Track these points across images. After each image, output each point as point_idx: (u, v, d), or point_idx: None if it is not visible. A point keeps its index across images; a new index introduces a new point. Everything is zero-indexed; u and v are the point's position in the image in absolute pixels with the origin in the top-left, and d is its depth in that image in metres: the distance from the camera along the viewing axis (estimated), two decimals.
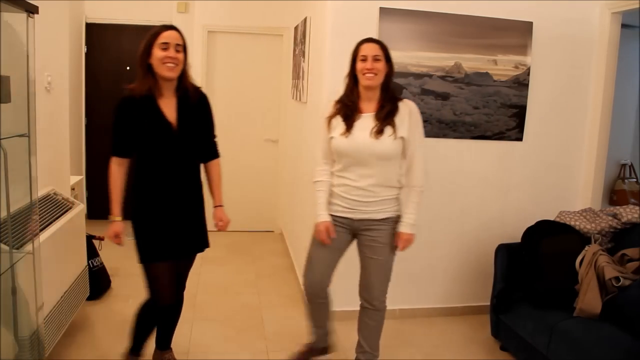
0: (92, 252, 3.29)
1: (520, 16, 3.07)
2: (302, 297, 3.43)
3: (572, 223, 2.79)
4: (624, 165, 4.26)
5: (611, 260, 2.47)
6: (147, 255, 2.17)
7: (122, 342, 2.77)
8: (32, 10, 1.88)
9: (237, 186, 4.82)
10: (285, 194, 4.74)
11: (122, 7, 4.90)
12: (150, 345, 2.42)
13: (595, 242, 2.63)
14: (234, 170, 4.87)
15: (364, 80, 2.20)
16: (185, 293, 3.50)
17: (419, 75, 3.00)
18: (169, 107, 2.11)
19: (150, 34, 2.05)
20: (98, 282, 3.29)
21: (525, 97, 3.16)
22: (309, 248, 2.43)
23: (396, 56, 2.94)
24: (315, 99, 3.26)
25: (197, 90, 2.19)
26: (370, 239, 2.30)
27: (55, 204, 2.63)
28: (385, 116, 2.20)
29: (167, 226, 2.16)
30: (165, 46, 2.02)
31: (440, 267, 3.26)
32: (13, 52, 1.89)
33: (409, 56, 2.98)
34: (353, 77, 2.27)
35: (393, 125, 2.20)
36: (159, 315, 2.33)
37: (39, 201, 2.36)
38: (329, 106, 2.35)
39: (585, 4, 3.16)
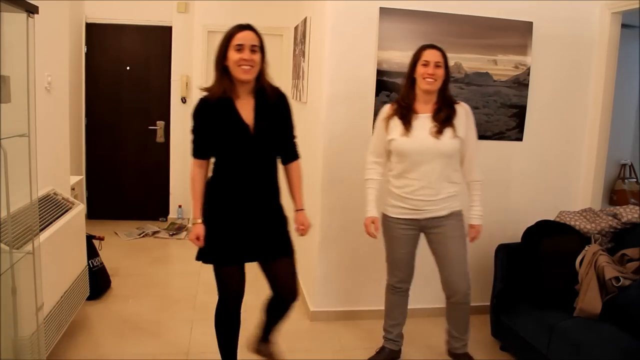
0: (92, 252, 3.29)
1: (520, 16, 3.07)
2: (301, 296, 3.43)
3: (572, 223, 2.79)
4: (624, 165, 4.26)
5: (611, 260, 2.47)
6: (215, 258, 2.14)
7: (122, 342, 2.78)
8: (32, 10, 1.88)
9: None
10: (285, 194, 4.73)
11: (122, 7, 4.90)
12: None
13: (595, 242, 2.63)
14: None
15: (424, 85, 2.32)
16: (185, 293, 3.52)
17: None
18: (245, 109, 2.07)
19: (225, 35, 2.03)
20: (98, 282, 3.29)
21: (525, 97, 3.16)
22: (386, 250, 2.56)
23: (396, 56, 2.96)
24: (315, 99, 3.26)
25: (276, 90, 2.14)
26: (440, 235, 2.42)
27: (55, 204, 2.63)
28: (445, 119, 2.33)
29: (240, 229, 2.11)
30: (240, 48, 1.98)
31: None
32: (13, 52, 1.89)
33: (409, 56, 2.95)
34: (411, 80, 2.38)
35: (452, 126, 2.34)
36: (230, 319, 2.31)
37: (39, 201, 2.36)
38: (384, 109, 2.46)
39: (585, 4, 3.16)
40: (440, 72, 2.32)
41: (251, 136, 2.05)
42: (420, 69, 2.33)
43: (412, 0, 2.94)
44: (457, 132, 2.34)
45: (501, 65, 3.10)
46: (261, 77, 2.09)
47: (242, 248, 2.12)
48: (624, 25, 3.18)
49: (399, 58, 2.96)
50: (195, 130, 2.11)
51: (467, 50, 3.04)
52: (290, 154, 2.25)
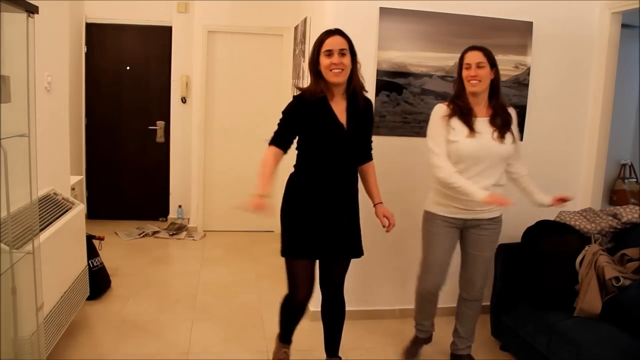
0: (92, 252, 3.29)
1: (520, 16, 3.07)
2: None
3: (572, 223, 2.79)
4: (624, 165, 4.26)
5: (611, 260, 2.47)
6: (290, 250, 2.22)
7: (122, 342, 2.78)
8: (32, 10, 1.88)
9: (237, 186, 4.82)
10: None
11: (122, 7, 4.90)
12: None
13: (595, 242, 2.63)
14: (234, 170, 4.88)
15: (468, 87, 2.32)
16: (185, 293, 3.52)
17: (419, 75, 3.00)
18: (339, 109, 2.18)
19: (316, 41, 2.16)
20: (98, 282, 3.29)
21: (525, 97, 3.16)
22: (425, 249, 2.52)
23: (396, 56, 2.96)
24: None
25: (363, 95, 2.26)
26: (478, 236, 2.45)
27: (55, 204, 2.63)
28: (504, 123, 2.35)
29: (320, 225, 2.20)
30: (330, 53, 2.09)
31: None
32: (13, 52, 1.89)
33: (409, 56, 2.98)
34: (461, 82, 2.38)
35: (511, 131, 2.37)
36: (295, 310, 2.36)
37: (39, 201, 2.36)
38: (440, 108, 2.39)
39: (585, 4, 3.16)
40: (484, 72, 2.30)
41: (344, 135, 2.18)
42: (464, 72, 2.34)
43: (412, 0, 2.94)
44: (515, 137, 2.38)
45: (501, 65, 3.05)
46: (352, 79, 2.18)
47: (321, 244, 2.22)
48: (624, 25, 3.18)
49: (399, 58, 2.96)
50: (284, 122, 2.22)
51: None
52: (368, 155, 2.38)
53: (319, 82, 2.16)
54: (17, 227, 2.02)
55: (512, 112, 2.44)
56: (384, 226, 2.32)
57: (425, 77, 3.01)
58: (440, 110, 2.39)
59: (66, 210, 2.68)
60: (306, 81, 3.58)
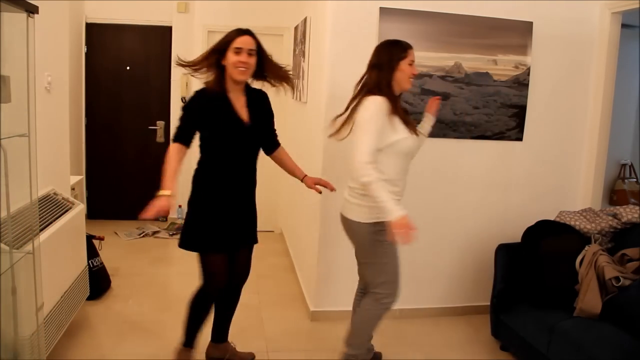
0: (92, 252, 3.29)
1: (520, 16, 3.07)
2: (298, 298, 3.43)
3: (572, 223, 2.79)
4: (624, 165, 4.26)
5: (611, 260, 2.47)
6: (204, 245, 2.27)
7: (122, 342, 2.78)
8: (32, 10, 1.88)
9: None
10: (286, 194, 4.74)
11: (122, 7, 4.90)
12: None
13: (595, 242, 2.63)
14: None
15: (408, 85, 2.29)
16: (185, 293, 3.50)
17: (419, 75, 3.00)
18: (239, 104, 2.27)
19: (225, 38, 2.22)
20: (98, 282, 3.29)
21: (525, 97, 3.16)
22: (384, 257, 2.30)
23: None
24: (315, 99, 3.26)
25: (259, 89, 2.37)
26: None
27: (55, 204, 2.63)
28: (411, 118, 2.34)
29: (229, 218, 2.29)
30: (239, 50, 2.17)
31: (441, 267, 3.26)
32: (13, 52, 1.89)
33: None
34: (388, 70, 2.27)
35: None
36: (209, 303, 2.41)
37: (39, 201, 2.36)
38: (382, 102, 2.17)
39: (585, 4, 3.16)
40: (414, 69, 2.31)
41: (245, 129, 2.25)
42: (407, 69, 2.27)
43: (412, 0, 2.94)
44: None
45: (501, 65, 3.10)
46: (265, 69, 2.30)
47: (230, 236, 2.31)
48: (624, 25, 3.18)
49: None
50: (185, 117, 2.23)
51: (467, 50, 3.04)
52: (275, 143, 2.49)
53: (219, 77, 2.23)
54: (17, 227, 2.02)
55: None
56: (319, 192, 2.49)
57: (425, 77, 3.01)
58: (381, 105, 2.17)
59: (66, 210, 2.68)
60: (306, 81, 3.59)
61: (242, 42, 2.18)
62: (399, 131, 2.22)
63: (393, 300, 2.36)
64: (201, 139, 2.25)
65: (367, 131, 2.15)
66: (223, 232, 2.28)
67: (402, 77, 2.26)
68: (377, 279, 2.32)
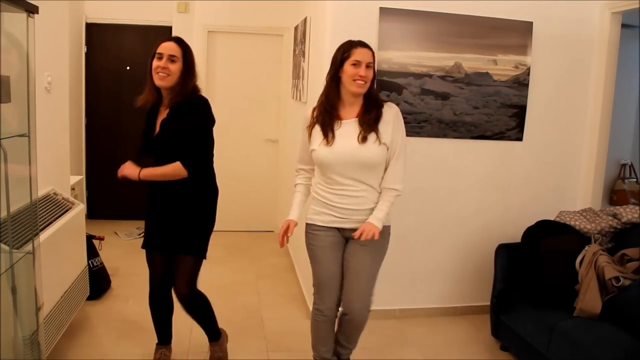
0: (92, 252, 3.29)
1: (520, 16, 3.07)
2: (298, 298, 3.43)
3: (572, 223, 2.79)
4: (624, 165, 4.26)
5: (611, 260, 2.47)
6: (143, 242, 2.46)
7: (122, 342, 2.78)
8: (32, 10, 1.88)
9: (237, 186, 4.82)
10: (285, 194, 4.74)
11: (122, 7, 4.90)
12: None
13: (595, 242, 2.63)
14: (234, 170, 4.87)
15: (353, 87, 2.07)
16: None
17: (419, 75, 3.00)
18: (161, 117, 2.30)
19: (155, 46, 2.24)
20: (98, 282, 3.29)
21: (525, 97, 3.16)
22: (311, 260, 2.27)
23: (396, 56, 2.96)
24: (315, 99, 3.25)
25: (192, 104, 2.25)
26: (360, 245, 2.14)
27: (55, 204, 2.63)
28: (372, 122, 2.08)
29: (155, 220, 2.42)
30: (160, 56, 2.19)
31: (440, 267, 3.26)
32: (13, 52, 1.89)
33: (409, 56, 2.98)
34: (336, 81, 2.11)
35: (377, 131, 2.08)
36: (151, 299, 2.50)
37: (39, 201, 2.36)
38: (305, 115, 2.22)
39: (585, 4, 3.16)
40: (371, 73, 2.08)
41: (153, 141, 2.31)
42: (350, 70, 2.06)
43: (412, 0, 2.94)
44: (382, 137, 2.09)
45: (501, 65, 3.10)
46: (179, 87, 2.23)
47: (156, 237, 2.41)
48: (624, 25, 3.18)
49: (399, 58, 2.96)
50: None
51: (467, 50, 3.04)
52: (181, 159, 2.25)
53: (151, 87, 2.28)
54: (17, 227, 2.02)
55: (389, 108, 2.14)
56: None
57: (425, 77, 3.01)
58: (307, 116, 2.21)
59: (66, 210, 2.68)
60: (306, 81, 3.59)
61: (163, 47, 2.20)
62: (313, 142, 2.15)
63: (317, 309, 2.23)
64: None
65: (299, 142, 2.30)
66: (149, 230, 2.43)
67: (346, 80, 2.07)
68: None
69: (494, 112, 3.13)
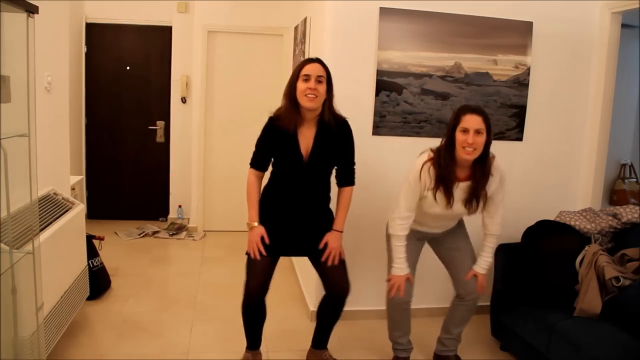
0: (92, 252, 3.29)
1: (520, 16, 3.07)
2: (298, 298, 3.43)
3: (572, 223, 2.79)
4: (624, 165, 4.26)
5: (611, 260, 2.47)
6: (265, 249, 2.36)
7: (122, 342, 2.78)
8: (32, 10, 1.88)
9: (237, 186, 4.82)
10: None
11: (122, 7, 4.90)
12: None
13: (595, 242, 2.64)
14: (234, 170, 4.88)
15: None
16: (185, 293, 3.52)
17: (419, 75, 3.00)
18: (306, 137, 2.27)
19: (296, 68, 2.26)
20: (98, 282, 3.30)
21: (525, 97, 3.16)
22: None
23: (396, 56, 2.96)
24: None
25: (339, 119, 2.32)
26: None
27: (55, 204, 2.63)
28: (483, 193, 2.30)
29: (291, 227, 2.36)
30: (307, 78, 2.18)
31: (441, 267, 3.25)
32: (13, 52, 1.89)
33: (409, 56, 2.98)
34: (451, 145, 2.22)
35: (482, 197, 2.30)
36: (245, 307, 2.48)
37: (39, 201, 2.36)
38: (425, 173, 2.28)
39: (585, 4, 3.16)
40: (482, 139, 2.18)
41: (303, 164, 2.27)
42: (460, 136, 2.17)
43: (412, 0, 2.94)
44: (487, 200, 2.39)
45: (501, 65, 3.10)
46: (325, 107, 2.26)
47: (288, 243, 2.37)
48: (624, 25, 3.18)
49: (399, 58, 2.96)
50: (259, 145, 2.35)
51: (467, 50, 3.04)
52: (346, 179, 2.42)
53: (291, 109, 2.23)
54: (17, 227, 2.02)
55: (496, 171, 2.32)
56: (319, 248, 2.37)
57: (425, 77, 3.01)
58: (423, 176, 2.29)
59: (66, 210, 2.68)
60: None
61: (311, 69, 2.20)
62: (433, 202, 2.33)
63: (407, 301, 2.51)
64: (273, 161, 2.36)
65: None
66: (277, 237, 2.34)
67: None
68: None
69: (494, 112, 3.13)
